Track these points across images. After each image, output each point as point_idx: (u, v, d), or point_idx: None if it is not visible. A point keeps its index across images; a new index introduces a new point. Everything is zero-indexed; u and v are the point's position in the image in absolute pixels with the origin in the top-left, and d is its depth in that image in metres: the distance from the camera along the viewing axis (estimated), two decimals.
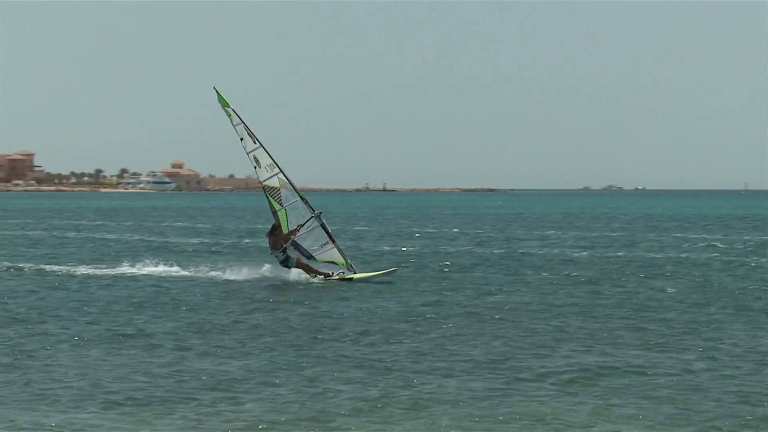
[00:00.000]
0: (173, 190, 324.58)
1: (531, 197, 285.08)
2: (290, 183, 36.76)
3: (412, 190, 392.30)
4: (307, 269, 35.99)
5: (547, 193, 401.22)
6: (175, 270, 38.69)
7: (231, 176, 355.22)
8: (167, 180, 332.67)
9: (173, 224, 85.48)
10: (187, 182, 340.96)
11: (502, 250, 52.65)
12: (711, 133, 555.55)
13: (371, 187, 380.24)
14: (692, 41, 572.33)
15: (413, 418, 16.42)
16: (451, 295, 31.80)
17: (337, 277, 35.80)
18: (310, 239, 36.35)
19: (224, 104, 36.98)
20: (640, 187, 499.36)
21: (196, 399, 17.55)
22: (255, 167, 36.94)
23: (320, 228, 36.43)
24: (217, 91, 36.99)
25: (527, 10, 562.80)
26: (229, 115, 36.90)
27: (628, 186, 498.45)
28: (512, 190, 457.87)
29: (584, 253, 50.27)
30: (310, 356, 21.22)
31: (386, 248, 53.68)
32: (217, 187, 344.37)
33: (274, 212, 36.68)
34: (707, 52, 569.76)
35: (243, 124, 36.79)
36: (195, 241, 61.36)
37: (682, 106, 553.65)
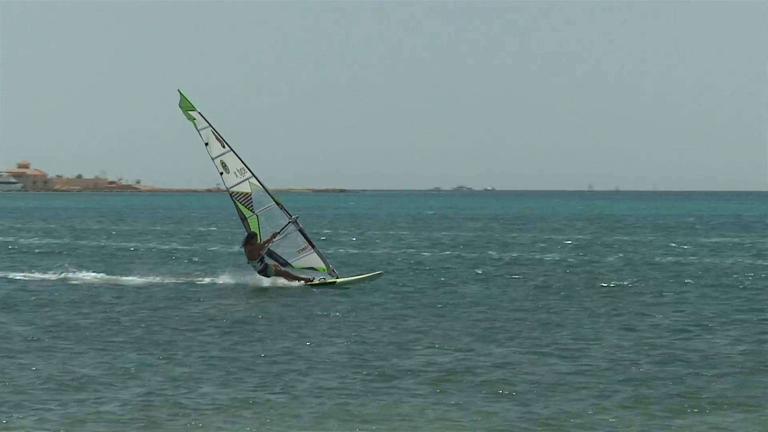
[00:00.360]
0: (19, 190, 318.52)
1: (383, 198, 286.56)
2: (263, 187, 35.40)
3: None
4: (288, 276, 34.57)
5: (399, 194, 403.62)
6: (31, 272, 38.09)
7: (79, 176, 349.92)
8: (13, 180, 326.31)
9: (25, 225, 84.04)
10: (34, 183, 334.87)
11: (356, 251, 53.03)
12: (556, 135, 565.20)
13: (221, 187, 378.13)
14: (521, 46, 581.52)
15: (277, 418, 16.59)
16: (308, 297, 32.00)
17: (318, 281, 34.53)
18: (285, 245, 34.85)
19: (188, 107, 35.06)
20: (489, 188, 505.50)
21: (57, 399, 17.47)
22: (221, 173, 35.41)
23: (298, 233, 35.05)
24: (181, 93, 34.93)
25: (346, 12, 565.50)
26: (193, 119, 35.06)
27: (477, 186, 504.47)
28: (364, 190, 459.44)
29: (438, 254, 50.90)
30: (173, 356, 21.26)
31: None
32: (65, 188, 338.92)
33: (244, 219, 35.20)
34: (545, 53, 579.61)
35: (210, 128, 35.15)
36: (45, 241, 60.51)
37: (526, 107, 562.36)
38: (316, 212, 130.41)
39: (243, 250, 35.06)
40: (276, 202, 35.29)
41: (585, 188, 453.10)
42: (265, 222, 35.09)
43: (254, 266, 34.71)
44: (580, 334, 24.55)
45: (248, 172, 35.43)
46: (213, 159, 35.36)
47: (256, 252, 34.56)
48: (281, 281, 34.52)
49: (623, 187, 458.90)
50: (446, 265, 43.63)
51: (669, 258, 48.75)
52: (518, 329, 25.19)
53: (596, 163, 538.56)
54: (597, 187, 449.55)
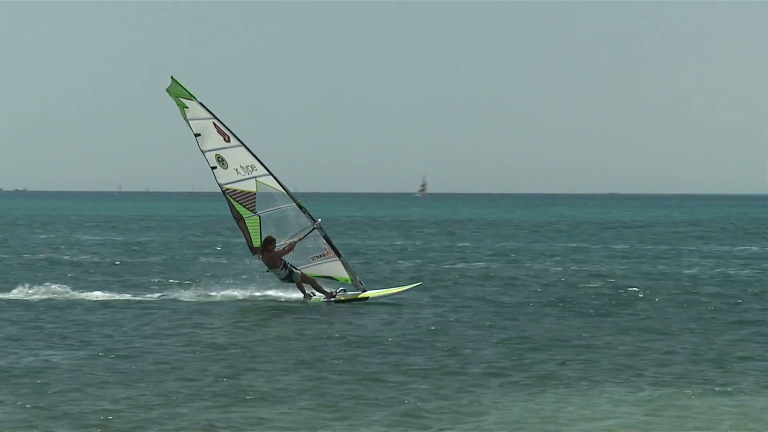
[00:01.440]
0: None
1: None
2: (284, 188, 31.87)
3: None
4: (314, 285, 31.58)
5: (65, 194, 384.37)
6: None
7: None
8: None
9: None
10: None
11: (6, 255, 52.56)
12: (87, 138, 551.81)
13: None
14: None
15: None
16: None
17: (344, 297, 31.42)
18: (298, 251, 31.57)
19: (184, 96, 31.27)
20: (21, 189, 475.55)
21: None
22: (214, 167, 31.61)
23: (320, 239, 31.86)
24: (175, 80, 31.12)
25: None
26: (184, 108, 31.27)
27: (8, 187, 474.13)
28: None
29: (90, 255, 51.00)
30: None
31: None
32: None
33: (240, 219, 31.71)
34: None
35: (213, 119, 31.42)
36: None
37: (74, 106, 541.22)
38: None
39: (261, 258, 31.71)
40: (298, 205, 31.83)
41: (115, 189, 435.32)
42: (269, 224, 31.87)
43: (278, 274, 31.60)
44: (207, 330, 25.90)
45: (260, 169, 31.83)
46: (204, 152, 31.63)
47: (278, 259, 31.45)
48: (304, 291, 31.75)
49: (153, 188, 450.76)
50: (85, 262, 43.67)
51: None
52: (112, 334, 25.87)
53: (126, 165, 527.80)
54: (125, 188, 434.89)
